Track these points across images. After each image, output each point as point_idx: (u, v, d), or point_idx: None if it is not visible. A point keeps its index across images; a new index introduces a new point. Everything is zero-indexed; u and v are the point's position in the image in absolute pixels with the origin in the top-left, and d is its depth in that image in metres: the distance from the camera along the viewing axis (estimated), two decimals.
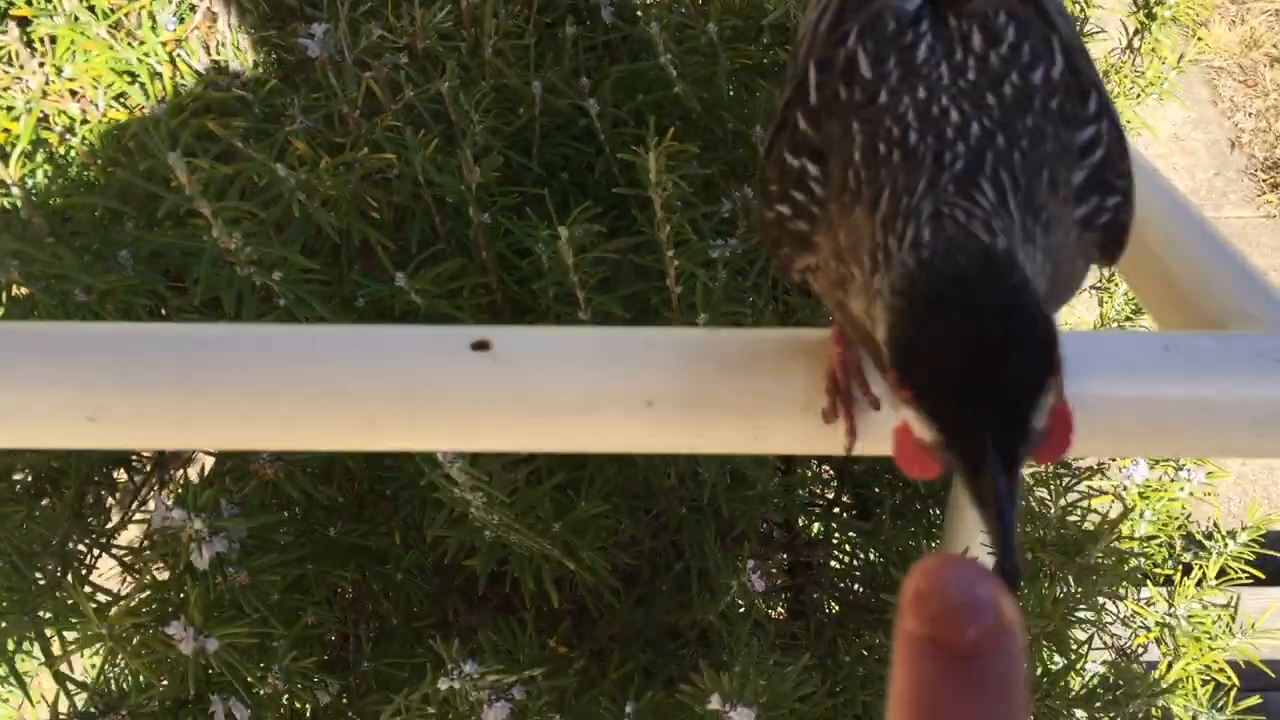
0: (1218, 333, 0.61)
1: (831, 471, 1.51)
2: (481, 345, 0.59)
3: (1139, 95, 1.44)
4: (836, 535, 1.41)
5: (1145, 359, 0.59)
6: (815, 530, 1.48)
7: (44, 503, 1.04)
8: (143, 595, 1.01)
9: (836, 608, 1.41)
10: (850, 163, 0.51)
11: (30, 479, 1.05)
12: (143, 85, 1.04)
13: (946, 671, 0.24)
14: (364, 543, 1.07)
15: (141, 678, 0.99)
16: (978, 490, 0.40)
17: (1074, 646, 1.14)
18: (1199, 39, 3.65)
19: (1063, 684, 1.14)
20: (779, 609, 1.45)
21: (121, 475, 1.15)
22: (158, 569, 1.08)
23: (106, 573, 1.14)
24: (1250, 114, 3.53)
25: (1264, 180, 3.31)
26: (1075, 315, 1.98)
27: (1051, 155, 0.51)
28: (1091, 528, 1.05)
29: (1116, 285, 1.56)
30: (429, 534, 0.95)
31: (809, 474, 1.49)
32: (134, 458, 1.15)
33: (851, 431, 0.58)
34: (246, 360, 0.59)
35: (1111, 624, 1.37)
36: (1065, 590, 1.03)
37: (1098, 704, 1.13)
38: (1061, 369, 0.43)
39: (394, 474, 1.03)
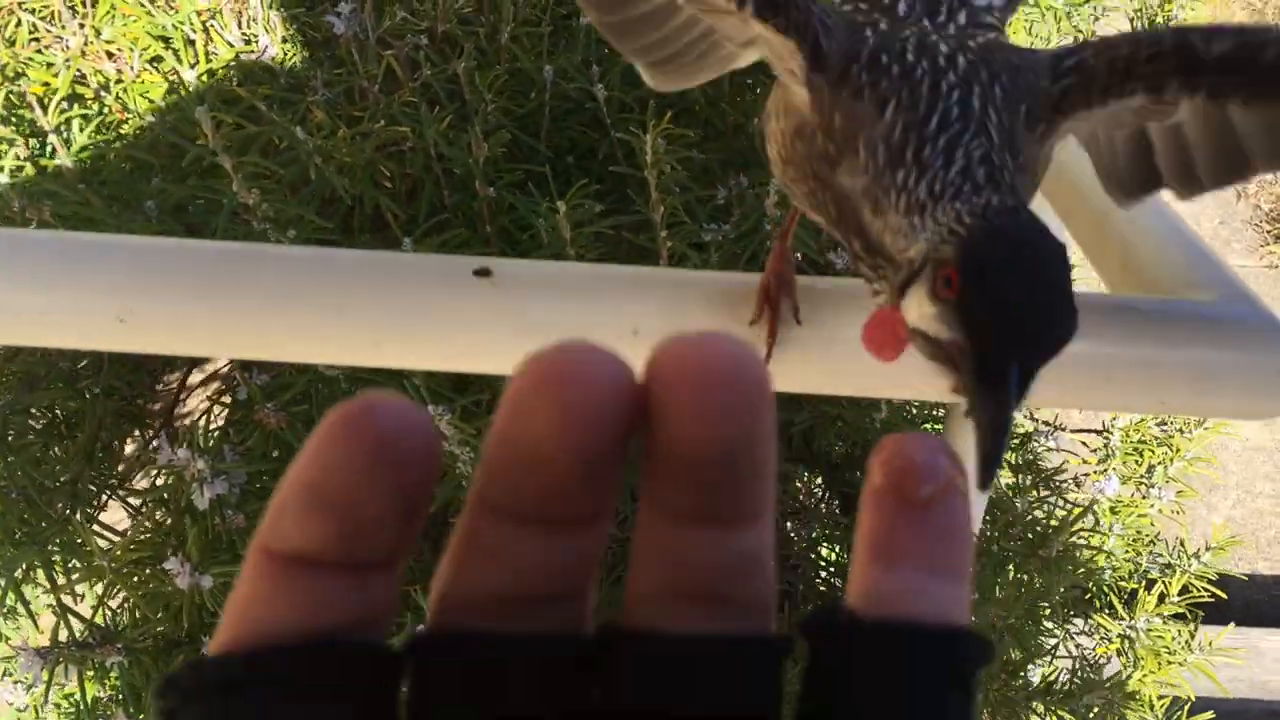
0: (1165, 297, 0.66)
1: (821, 480, 1.55)
2: (483, 272, 0.64)
3: None
4: (819, 532, 1.44)
5: (1096, 316, 0.63)
6: (797, 531, 1.52)
7: (60, 444, 1.08)
8: (144, 535, 1.06)
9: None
10: (856, 58, 0.55)
11: (47, 421, 1.09)
12: (176, 51, 1.09)
13: (903, 517, 0.26)
14: None
15: (138, 612, 1.03)
16: (987, 399, 0.45)
17: (1036, 643, 1.18)
18: None
19: (1022, 677, 1.18)
20: None
21: (137, 422, 1.20)
22: (161, 514, 1.12)
23: (115, 520, 1.18)
24: None
25: (1268, 231, 3.37)
26: None
27: (1027, 87, 0.55)
28: (1056, 523, 1.09)
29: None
30: None
31: (798, 485, 1.53)
32: (147, 405, 1.19)
33: (772, 334, 0.63)
34: (267, 273, 0.64)
35: (1077, 634, 1.41)
36: (1028, 581, 1.07)
37: (1055, 698, 1.17)
38: None
39: None
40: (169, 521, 1.05)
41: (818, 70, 0.55)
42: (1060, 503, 1.28)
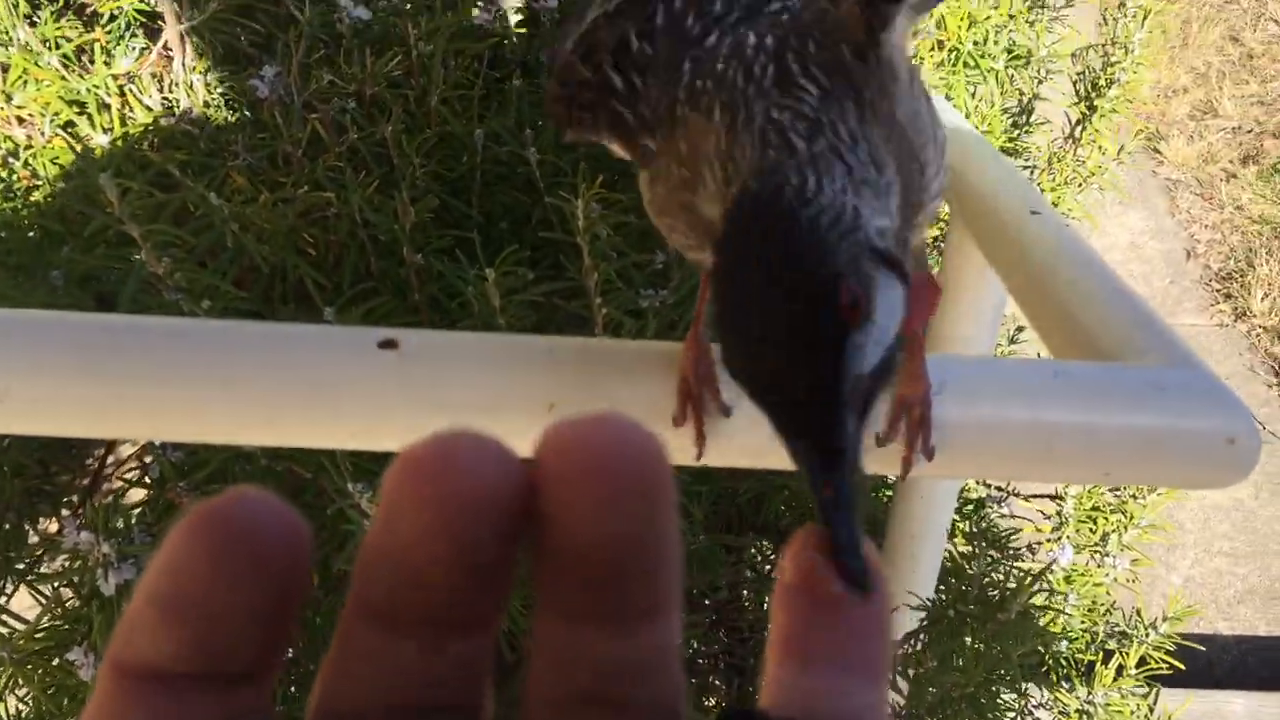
0: (1106, 363, 0.63)
1: (772, 547, 1.51)
2: (389, 344, 0.60)
3: (1080, 185, 1.48)
4: (769, 602, 1.40)
5: (1035, 383, 0.60)
6: (750, 600, 1.48)
7: None
8: (51, 623, 1.00)
9: None
10: (676, 99, 0.53)
11: None
12: (90, 116, 1.05)
13: (816, 614, 0.25)
14: None
15: (44, 706, 0.97)
16: (806, 465, 0.37)
17: (994, 715, 1.14)
18: (1157, 151, 3.77)
19: None
20: (713, 679, 1.44)
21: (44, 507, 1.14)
22: (69, 601, 1.06)
23: (24, 607, 1.12)
24: (1206, 226, 3.64)
25: (1217, 290, 3.41)
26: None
27: (835, 27, 0.52)
28: (1013, 585, 1.05)
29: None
30: (336, 567, 0.94)
31: (752, 552, 1.49)
32: (61, 485, 1.14)
33: (700, 438, 0.59)
34: (154, 349, 0.60)
35: (1035, 706, 1.37)
36: (984, 649, 1.03)
37: None
38: (872, 286, 0.40)
39: (302, 505, 1.02)
40: (78, 608, 0.99)
41: (645, 138, 0.55)
42: (1015, 569, 1.24)
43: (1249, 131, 3.93)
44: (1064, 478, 0.59)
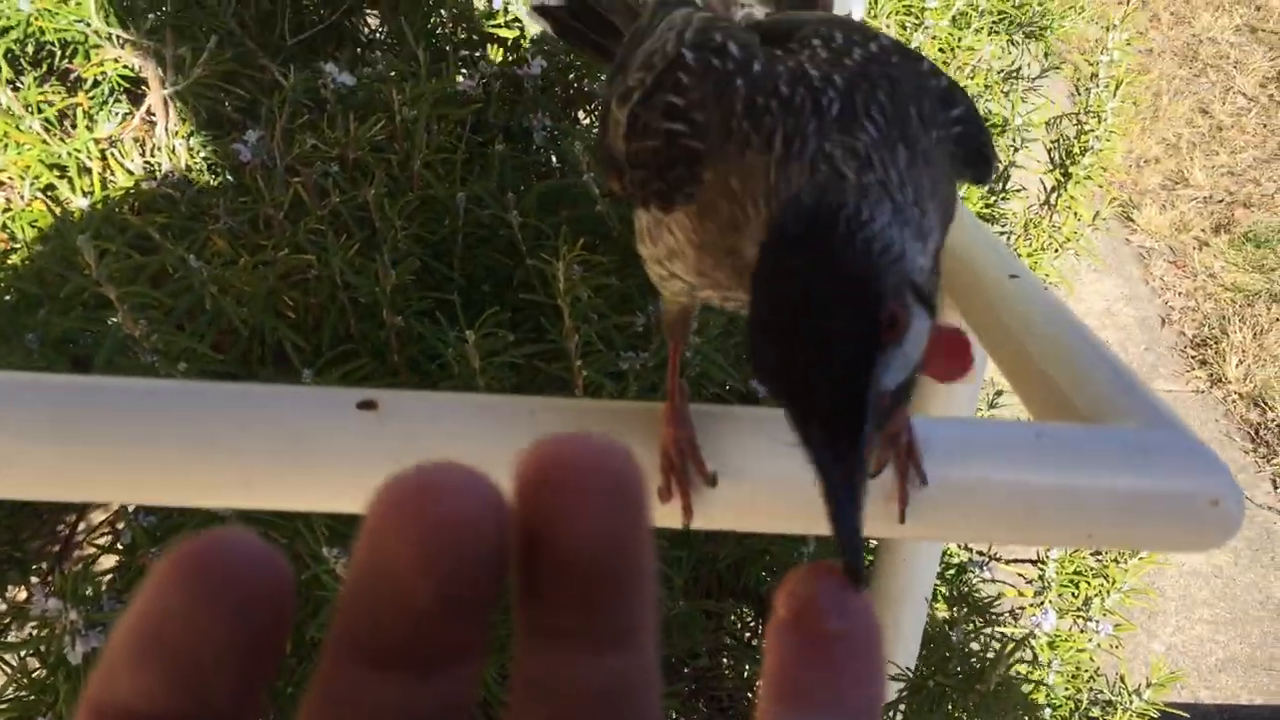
0: (1088, 424, 0.63)
1: (752, 613, 1.50)
2: (368, 405, 0.60)
3: (1056, 250, 1.50)
4: (753, 669, 1.38)
5: (1017, 445, 0.60)
6: (730, 668, 1.46)
7: None
8: (17, 693, 0.97)
9: None
10: (733, 113, 0.53)
11: None
12: (70, 179, 1.05)
13: (809, 653, 0.25)
14: None
15: None
16: (820, 485, 0.38)
17: None
18: (1130, 219, 3.82)
19: None
20: None
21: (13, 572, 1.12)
22: (36, 670, 1.04)
23: None
24: (1180, 293, 3.68)
25: (1192, 357, 3.43)
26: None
27: (914, 92, 0.53)
28: (993, 656, 1.04)
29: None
30: (310, 634, 0.93)
31: (732, 619, 1.48)
32: (31, 552, 1.12)
33: (687, 510, 0.58)
34: (126, 410, 0.59)
35: None
36: (966, 718, 1.02)
37: None
38: (908, 314, 0.42)
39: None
40: (44, 678, 0.97)
41: (703, 150, 0.54)
42: (997, 635, 1.23)
43: (1220, 201, 4.00)
44: (1047, 540, 0.59)
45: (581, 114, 1.31)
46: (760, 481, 0.59)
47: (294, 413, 0.60)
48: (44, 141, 1.08)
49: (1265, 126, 4.37)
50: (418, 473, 0.21)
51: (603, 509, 0.22)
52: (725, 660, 1.48)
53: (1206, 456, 0.60)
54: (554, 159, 1.22)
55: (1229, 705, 2.63)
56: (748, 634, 1.51)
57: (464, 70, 1.23)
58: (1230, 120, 4.40)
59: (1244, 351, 3.36)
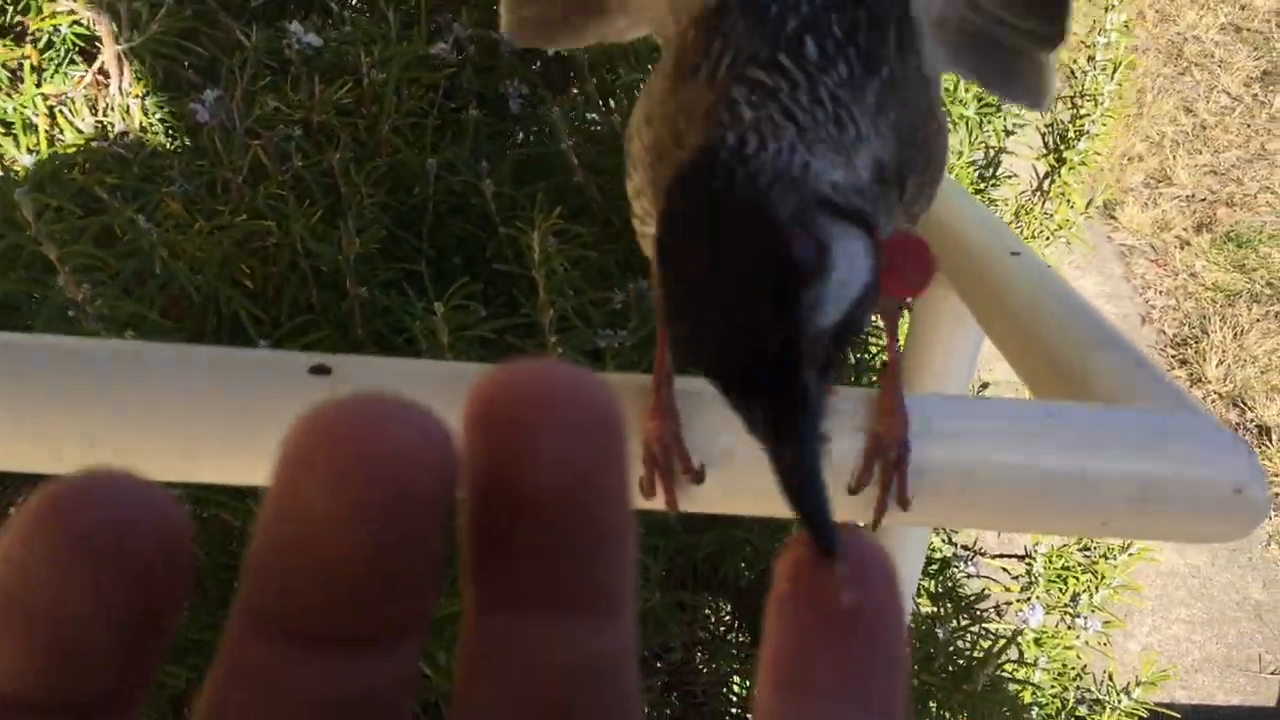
0: (1102, 405, 0.59)
1: (729, 607, 1.46)
2: (321, 370, 0.55)
3: (1048, 238, 1.46)
4: (728, 665, 1.34)
5: (1025, 425, 0.55)
6: (705, 664, 1.42)
7: None
8: None
9: None
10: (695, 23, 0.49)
11: None
12: (15, 136, 0.99)
13: (818, 633, 0.20)
14: (202, 638, 0.98)
15: None
16: (772, 468, 0.33)
17: None
18: (1112, 217, 3.80)
19: None
20: None
21: None
22: None
23: None
24: (1161, 292, 3.66)
25: (1173, 356, 3.42)
26: None
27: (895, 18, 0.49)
28: (980, 654, 1.00)
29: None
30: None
31: (708, 612, 1.43)
32: None
33: (672, 504, 0.54)
34: (54, 373, 0.53)
35: None
36: (950, 718, 0.97)
37: None
38: (828, 237, 0.37)
39: (230, 555, 0.96)
40: None
41: None
42: (983, 633, 1.19)
43: (1202, 200, 3.99)
44: (1057, 529, 0.54)
45: (562, 82, 1.26)
46: (749, 462, 0.54)
47: (241, 378, 0.54)
48: None
49: (1249, 126, 4.37)
50: (342, 404, 0.17)
51: (572, 447, 0.17)
52: (700, 654, 1.43)
53: (1229, 441, 0.56)
54: (531, 128, 1.17)
55: (1205, 705, 2.62)
56: (723, 628, 1.46)
57: (437, 34, 1.17)
58: (1214, 119, 4.39)
59: (1224, 351, 3.34)
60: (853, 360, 1.16)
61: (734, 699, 1.39)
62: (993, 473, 0.55)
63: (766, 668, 0.21)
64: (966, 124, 1.36)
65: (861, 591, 0.20)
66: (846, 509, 0.56)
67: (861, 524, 0.57)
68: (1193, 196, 4.02)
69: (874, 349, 1.22)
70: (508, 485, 0.17)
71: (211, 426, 0.53)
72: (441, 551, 0.17)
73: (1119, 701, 1.30)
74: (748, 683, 1.38)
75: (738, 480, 0.55)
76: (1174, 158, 4.14)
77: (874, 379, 1.15)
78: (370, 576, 0.17)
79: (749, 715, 1.32)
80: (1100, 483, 0.54)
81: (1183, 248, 3.80)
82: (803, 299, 0.36)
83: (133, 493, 0.16)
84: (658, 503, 0.55)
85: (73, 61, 1.17)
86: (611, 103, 1.10)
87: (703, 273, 0.36)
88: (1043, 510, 0.55)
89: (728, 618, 1.47)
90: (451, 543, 0.18)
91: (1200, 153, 4.19)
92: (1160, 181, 4.07)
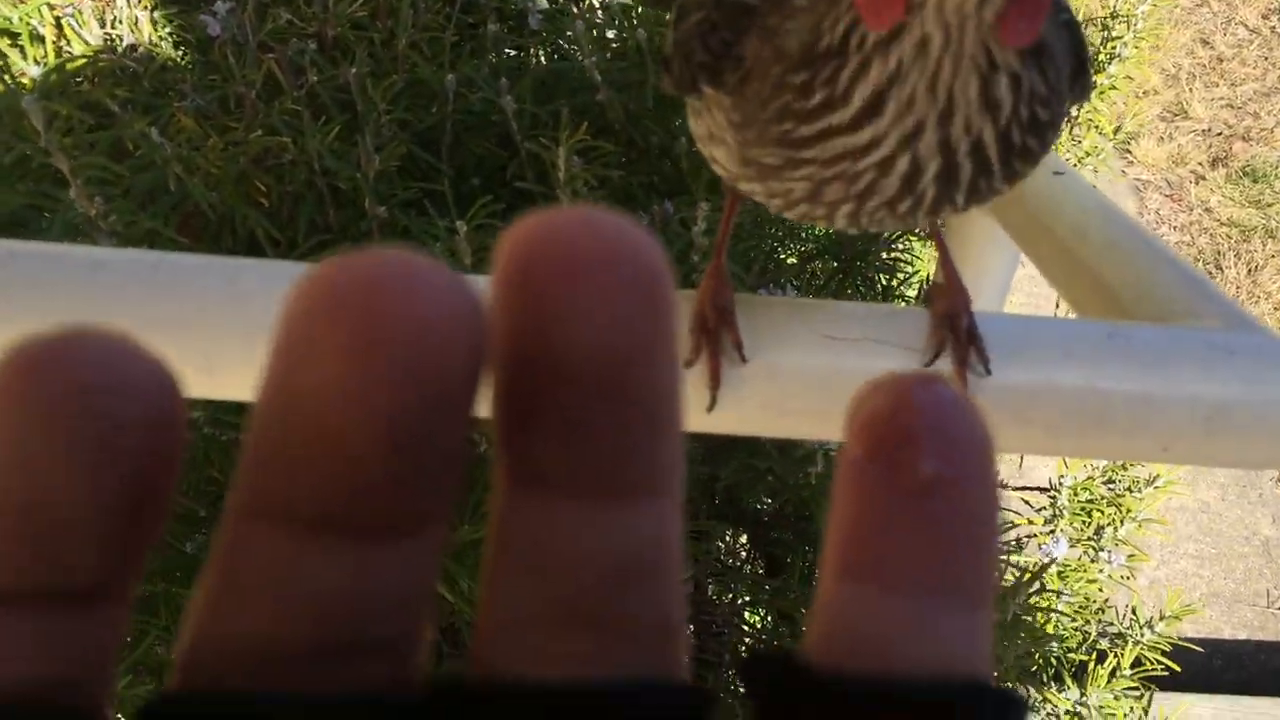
0: (1165, 324, 0.56)
1: (745, 537, 1.45)
2: None
3: (1075, 165, 1.42)
4: (745, 596, 1.33)
5: (1086, 345, 0.53)
6: (720, 595, 1.41)
7: None
8: None
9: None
10: None
11: None
12: (22, 48, 0.96)
13: (896, 507, 0.17)
14: None
15: None
16: None
17: None
18: (1128, 152, 3.75)
19: None
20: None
21: None
22: None
23: None
24: (1175, 227, 3.62)
25: None
26: None
27: None
28: (1009, 585, 0.99)
29: None
30: (212, 472, 0.86)
31: (722, 545, 1.42)
32: None
33: (715, 377, 0.52)
34: (72, 282, 0.51)
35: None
36: None
37: None
38: None
39: None
40: None
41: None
42: (1005, 565, 1.18)
43: (1218, 134, 3.92)
44: (1117, 453, 0.52)
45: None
46: (795, 376, 0.52)
47: (262, 288, 0.52)
48: None
49: (1266, 59, 4.29)
50: (358, 260, 0.14)
51: (615, 308, 0.15)
52: (716, 585, 1.42)
53: None
54: (551, 43, 1.13)
55: (1211, 639, 2.63)
56: (743, 555, 1.45)
57: None
58: (1231, 52, 4.31)
59: (1238, 287, 3.31)
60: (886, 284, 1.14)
61: (749, 629, 1.39)
62: (1051, 393, 0.52)
63: (832, 549, 0.18)
64: None
65: (946, 459, 0.17)
66: None
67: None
68: (1209, 130, 3.95)
69: (901, 276, 1.19)
70: (542, 352, 0.15)
71: (233, 341, 0.51)
72: (466, 434, 0.15)
73: (1141, 636, 1.29)
74: (762, 612, 1.38)
75: (780, 390, 0.53)
76: (1190, 91, 4.07)
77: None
78: (383, 458, 0.14)
79: (763, 644, 1.32)
80: (1164, 405, 0.52)
81: (1198, 183, 3.75)
82: None
83: (116, 353, 0.15)
84: (698, 402, 0.52)
85: None
86: (634, 18, 1.06)
87: None
88: (1102, 434, 0.52)
89: (744, 549, 1.46)
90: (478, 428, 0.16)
91: (1217, 86, 4.12)
92: (1176, 115, 4.01)
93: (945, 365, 0.53)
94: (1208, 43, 4.34)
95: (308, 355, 0.14)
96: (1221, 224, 3.59)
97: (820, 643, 0.17)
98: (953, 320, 0.53)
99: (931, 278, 1.17)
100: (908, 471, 0.17)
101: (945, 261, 0.57)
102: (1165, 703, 1.56)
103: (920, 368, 0.53)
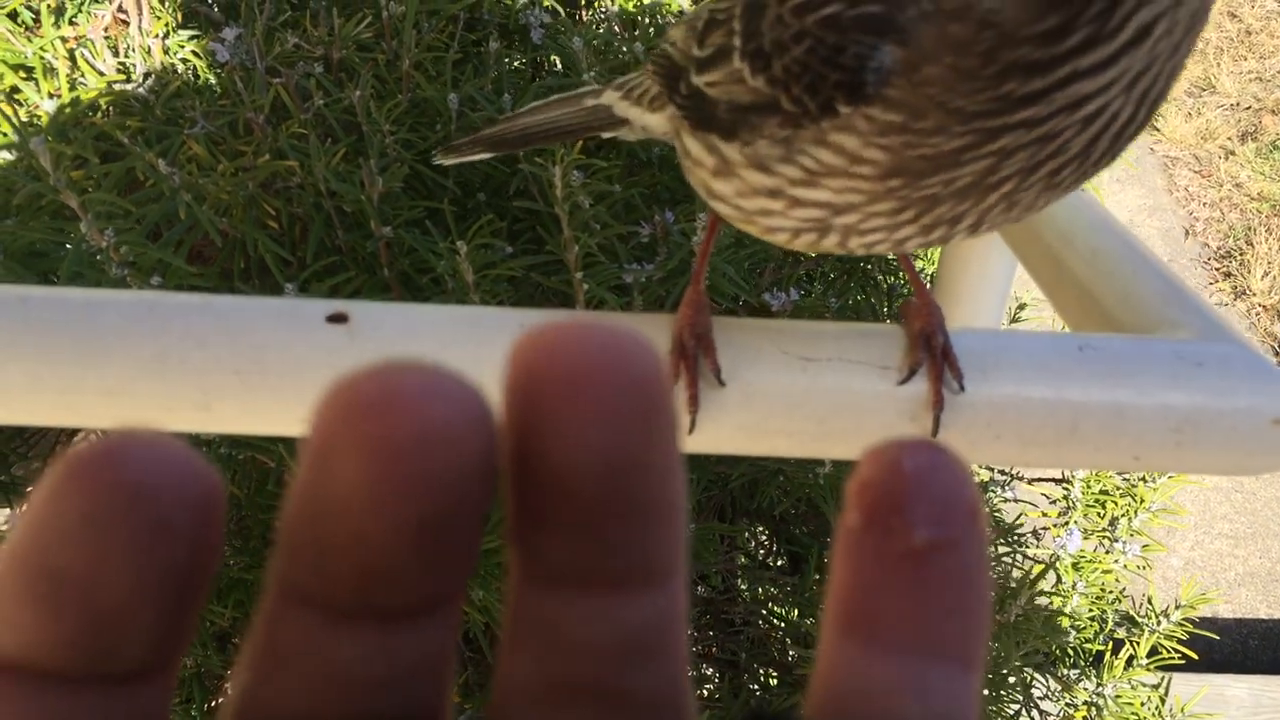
0: (1136, 336, 0.57)
1: (766, 533, 1.46)
2: (338, 318, 0.54)
3: None
4: (764, 591, 1.34)
5: (1058, 358, 0.54)
6: (745, 590, 1.42)
7: None
8: None
9: (773, 675, 1.35)
10: None
11: None
12: (36, 81, 0.99)
13: (892, 572, 0.19)
14: (245, 576, 1.00)
15: None
16: None
17: (996, 709, 1.08)
18: (1156, 128, 3.71)
19: None
20: (706, 670, 1.39)
21: None
22: None
23: None
24: (1204, 204, 3.58)
25: (1216, 269, 3.35)
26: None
27: None
28: (1015, 584, 1.00)
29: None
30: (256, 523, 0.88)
31: (746, 535, 1.44)
32: (20, 477, 1.07)
33: (693, 401, 0.53)
34: (70, 323, 0.53)
35: (1041, 699, 1.32)
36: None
37: None
38: None
39: (267, 496, 0.96)
40: None
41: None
42: (1019, 559, 1.19)
43: (1247, 108, 3.88)
44: (1088, 464, 0.53)
45: (583, 10, 1.23)
46: (771, 397, 0.53)
47: (257, 327, 0.54)
48: (7, 41, 1.01)
49: None
50: (375, 373, 0.16)
51: (610, 420, 0.16)
52: (738, 583, 1.43)
53: (1267, 371, 0.54)
54: (553, 59, 1.15)
55: (1248, 620, 2.61)
56: (761, 552, 1.46)
57: None
58: (1259, 25, 4.25)
59: (1269, 263, 3.27)
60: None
61: (775, 625, 1.40)
62: (1023, 407, 0.54)
63: (832, 608, 0.19)
64: None
65: (938, 526, 0.18)
66: (902, 427, 0.55)
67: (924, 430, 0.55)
68: (1237, 105, 3.91)
69: (904, 276, 1.20)
70: (545, 463, 0.17)
71: (228, 377, 0.53)
72: (480, 524, 0.17)
73: (1157, 624, 1.29)
74: (788, 606, 1.39)
75: (759, 414, 0.54)
76: (1218, 65, 4.02)
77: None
78: (404, 554, 0.16)
79: (793, 651, 1.33)
80: (1133, 416, 0.53)
81: (1227, 158, 3.71)
82: None
83: (166, 454, 0.16)
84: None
85: (94, 0, 1.16)
86: (635, 29, 1.07)
87: None
88: (1073, 445, 0.53)
89: (766, 543, 1.47)
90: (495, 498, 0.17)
91: (1245, 59, 4.07)
92: (1204, 90, 3.97)
93: (920, 383, 0.54)
94: (1235, 15, 4.28)
95: (335, 460, 0.16)
96: (1252, 199, 3.55)
97: (819, 699, 0.19)
98: (928, 338, 0.54)
99: (927, 278, 1.18)
100: (900, 538, 0.18)
101: (914, 279, 0.58)
102: (1195, 685, 1.56)
103: (899, 389, 0.54)
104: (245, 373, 0.53)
